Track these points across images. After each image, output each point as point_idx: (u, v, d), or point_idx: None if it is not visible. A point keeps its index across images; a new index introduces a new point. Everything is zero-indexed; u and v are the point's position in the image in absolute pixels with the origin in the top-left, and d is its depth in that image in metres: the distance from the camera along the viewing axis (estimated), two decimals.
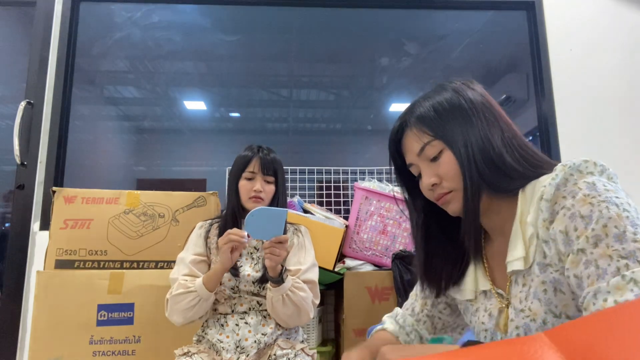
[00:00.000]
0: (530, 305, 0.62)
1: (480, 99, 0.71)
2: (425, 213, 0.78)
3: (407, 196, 0.80)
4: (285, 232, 1.20)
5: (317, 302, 1.26)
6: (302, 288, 1.20)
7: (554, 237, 0.58)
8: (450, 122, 0.69)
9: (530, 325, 0.62)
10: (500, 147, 0.66)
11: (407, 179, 0.79)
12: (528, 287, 0.63)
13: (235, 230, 1.16)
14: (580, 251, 0.54)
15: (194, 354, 1.20)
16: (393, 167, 0.79)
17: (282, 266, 1.19)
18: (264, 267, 1.25)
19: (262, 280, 1.24)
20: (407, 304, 0.90)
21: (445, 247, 0.77)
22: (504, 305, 0.69)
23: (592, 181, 0.57)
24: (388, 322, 0.88)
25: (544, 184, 0.61)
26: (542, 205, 0.60)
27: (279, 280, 1.17)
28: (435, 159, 0.70)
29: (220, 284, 1.23)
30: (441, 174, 0.69)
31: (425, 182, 0.71)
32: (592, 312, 0.52)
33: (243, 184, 1.29)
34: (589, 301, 0.52)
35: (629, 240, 0.51)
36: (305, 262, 1.28)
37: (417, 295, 0.88)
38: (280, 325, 1.26)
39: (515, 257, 0.64)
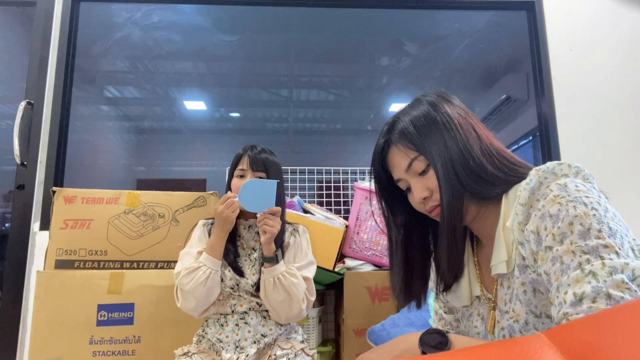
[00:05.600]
0: (513, 306, 0.64)
1: (457, 111, 0.72)
2: (405, 229, 0.78)
3: (388, 213, 0.80)
4: (278, 205, 1.22)
5: (312, 299, 1.25)
6: (294, 274, 1.20)
7: (527, 238, 0.60)
8: (429, 137, 0.69)
9: (514, 326, 0.64)
10: (479, 156, 0.68)
11: (389, 195, 0.79)
12: (511, 289, 0.65)
13: (230, 198, 1.21)
14: (548, 248, 0.56)
15: (193, 354, 1.20)
16: (375, 184, 0.79)
17: (277, 247, 1.20)
18: (260, 271, 1.25)
19: (258, 284, 1.24)
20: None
21: (426, 262, 0.78)
22: (491, 308, 0.70)
23: (565, 182, 0.58)
24: None
25: (520, 188, 0.63)
26: (517, 209, 0.62)
27: (273, 258, 1.18)
28: (423, 172, 0.70)
29: (222, 281, 1.23)
30: (431, 187, 0.70)
31: (417, 197, 0.71)
32: (555, 306, 0.53)
33: (234, 182, 1.29)
34: (553, 296, 0.54)
35: (592, 237, 0.52)
36: (301, 260, 1.28)
37: (437, 320, 0.89)
38: (280, 325, 1.26)
39: (499, 261, 0.66)
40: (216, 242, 1.21)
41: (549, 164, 0.62)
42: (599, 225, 0.52)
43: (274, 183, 1.19)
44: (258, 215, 1.21)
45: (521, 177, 0.66)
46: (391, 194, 0.78)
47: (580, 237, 0.53)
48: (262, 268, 1.20)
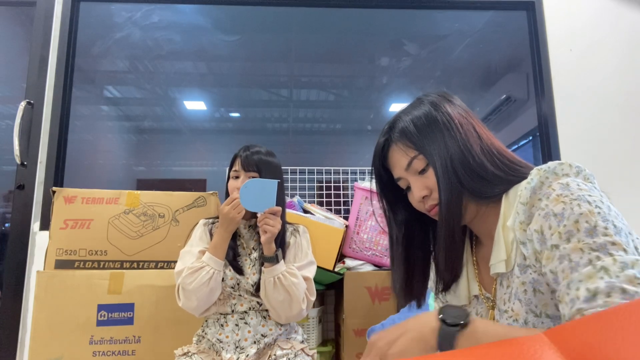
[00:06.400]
0: (513, 306, 0.64)
1: (458, 110, 0.72)
2: (406, 227, 0.79)
3: (389, 211, 0.80)
4: (278, 205, 1.22)
5: (313, 299, 1.25)
6: (294, 274, 1.21)
7: (530, 237, 0.60)
8: (429, 136, 0.70)
9: (513, 325, 0.63)
10: (480, 155, 0.68)
11: (389, 194, 0.79)
12: (510, 288, 0.65)
13: (236, 199, 1.20)
14: (554, 247, 0.56)
15: (193, 354, 1.20)
16: (376, 183, 0.80)
17: (277, 247, 1.21)
18: (260, 271, 1.25)
19: (258, 285, 1.24)
20: None
21: (427, 260, 0.79)
22: (490, 307, 0.70)
23: (566, 182, 0.59)
24: None
25: (521, 188, 0.63)
26: (518, 208, 0.62)
27: (273, 258, 1.18)
28: (423, 171, 0.71)
29: (222, 280, 1.23)
30: (430, 186, 0.70)
31: (416, 195, 0.72)
32: (566, 303, 0.53)
33: (230, 183, 1.30)
34: (563, 293, 0.54)
35: (599, 234, 0.53)
36: (301, 260, 1.28)
37: None
38: (280, 325, 1.26)
39: (498, 260, 0.66)
40: (220, 243, 1.21)
41: (550, 163, 0.62)
42: (604, 223, 0.53)
43: (274, 183, 1.19)
44: (259, 215, 1.21)
45: (522, 176, 0.66)
46: (392, 192, 0.79)
47: (587, 234, 0.53)
48: (262, 268, 1.20)
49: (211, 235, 1.32)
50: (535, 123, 2.34)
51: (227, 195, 1.31)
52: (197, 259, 1.22)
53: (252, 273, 1.25)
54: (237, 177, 1.28)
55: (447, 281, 0.76)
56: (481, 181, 0.67)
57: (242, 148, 1.33)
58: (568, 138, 2.19)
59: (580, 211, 0.54)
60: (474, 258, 0.76)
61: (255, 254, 1.29)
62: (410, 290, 0.78)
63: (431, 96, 0.75)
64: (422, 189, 0.71)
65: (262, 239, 1.18)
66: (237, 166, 1.29)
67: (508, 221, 0.64)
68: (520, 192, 0.63)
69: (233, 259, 1.25)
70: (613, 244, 0.52)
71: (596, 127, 2.21)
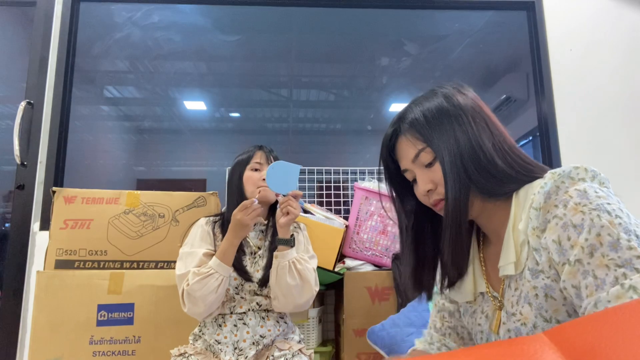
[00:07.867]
0: (521, 309, 0.63)
1: (471, 104, 0.71)
2: (415, 218, 0.78)
3: (397, 201, 0.79)
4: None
5: (317, 289, 1.26)
6: (306, 260, 1.22)
7: (545, 245, 0.59)
8: (439, 129, 0.68)
9: (521, 329, 0.63)
10: (491, 151, 0.66)
11: (398, 184, 0.78)
12: (519, 291, 0.64)
13: (248, 203, 1.17)
14: (577, 262, 0.54)
15: (190, 354, 1.20)
16: (384, 173, 0.79)
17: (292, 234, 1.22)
18: (265, 267, 1.25)
19: (263, 281, 1.24)
20: (429, 323, 0.89)
21: (436, 251, 0.77)
22: (497, 308, 0.69)
23: (584, 188, 0.57)
24: (417, 342, 0.88)
25: (534, 191, 0.61)
26: (531, 213, 0.60)
27: (290, 241, 1.19)
28: (430, 164, 0.70)
29: None
30: (436, 180, 0.69)
31: (421, 188, 0.70)
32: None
33: (250, 174, 1.30)
34: (590, 311, 0.52)
35: (623, 248, 0.51)
36: (304, 254, 1.29)
37: (435, 312, 0.87)
38: (278, 326, 1.26)
39: (507, 262, 0.65)
40: (228, 248, 1.19)
41: (564, 167, 0.61)
42: (627, 235, 0.52)
43: (298, 167, 1.19)
44: (279, 198, 1.21)
45: (533, 176, 0.65)
46: (400, 182, 0.78)
47: (611, 249, 0.52)
48: (276, 252, 1.20)
49: (214, 234, 1.31)
50: (535, 123, 2.34)
51: (238, 191, 1.31)
52: (201, 262, 1.20)
53: (255, 270, 1.25)
54: (256, 170, 1.30)
55: (453, 277, 0.74)
56: (491, 178, 0.65)
57: (257, 146, 1.36)
58: (568, 138, 2.19)
59: (602, 223, 0.53)
60: (481, 255, 0.75)
61: (260, 252, 1.29)
62: (419, 280, 0.77)
63: (445, 88, 0.73)
64: (428, 183, 0.69)
65: (282, 220, 1.17)
66: (261, 159, 1.32)
67: (520, 224, 0.63)
68: (533, 195, 0.61)
69: (239, 263, 1.25)
70: (639, 257, 0.50)
71: (596, 127, 2.21)
